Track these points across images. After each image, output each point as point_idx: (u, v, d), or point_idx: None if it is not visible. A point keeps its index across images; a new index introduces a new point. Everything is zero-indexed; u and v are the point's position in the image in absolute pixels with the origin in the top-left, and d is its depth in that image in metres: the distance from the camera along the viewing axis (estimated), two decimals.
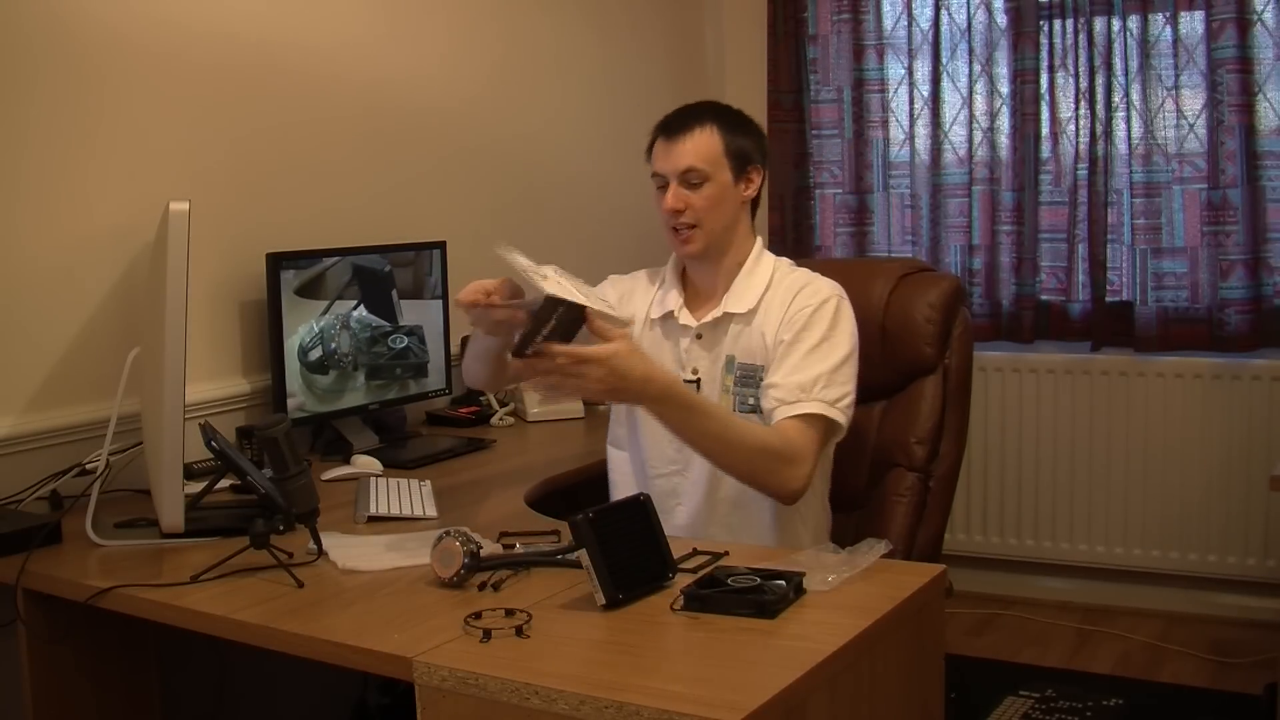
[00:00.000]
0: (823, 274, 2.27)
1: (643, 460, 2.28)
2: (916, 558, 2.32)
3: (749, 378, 2.18)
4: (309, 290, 2.66)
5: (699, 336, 2.25)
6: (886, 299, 2.50)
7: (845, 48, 3.98)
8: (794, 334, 2.12)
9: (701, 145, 2.17)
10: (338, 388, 2.74)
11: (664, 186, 2.20)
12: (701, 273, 2.27)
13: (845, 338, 2.14)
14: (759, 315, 2.20)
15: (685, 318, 2.26)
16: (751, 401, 2.16)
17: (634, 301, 2.33)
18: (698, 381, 2.23)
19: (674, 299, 2.28)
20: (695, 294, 2.29)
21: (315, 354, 2.68)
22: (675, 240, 2.22)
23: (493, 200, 3.40)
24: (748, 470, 2.03)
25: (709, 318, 2.23)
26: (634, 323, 2.23)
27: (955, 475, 2.46)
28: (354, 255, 2.77)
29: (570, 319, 1.82)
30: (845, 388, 2.11)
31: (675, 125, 2.19)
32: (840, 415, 2.08)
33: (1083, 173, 3.71)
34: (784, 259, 2.29)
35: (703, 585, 1.66)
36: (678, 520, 2.21)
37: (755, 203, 2.28)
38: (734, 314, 2.21)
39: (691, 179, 2.16)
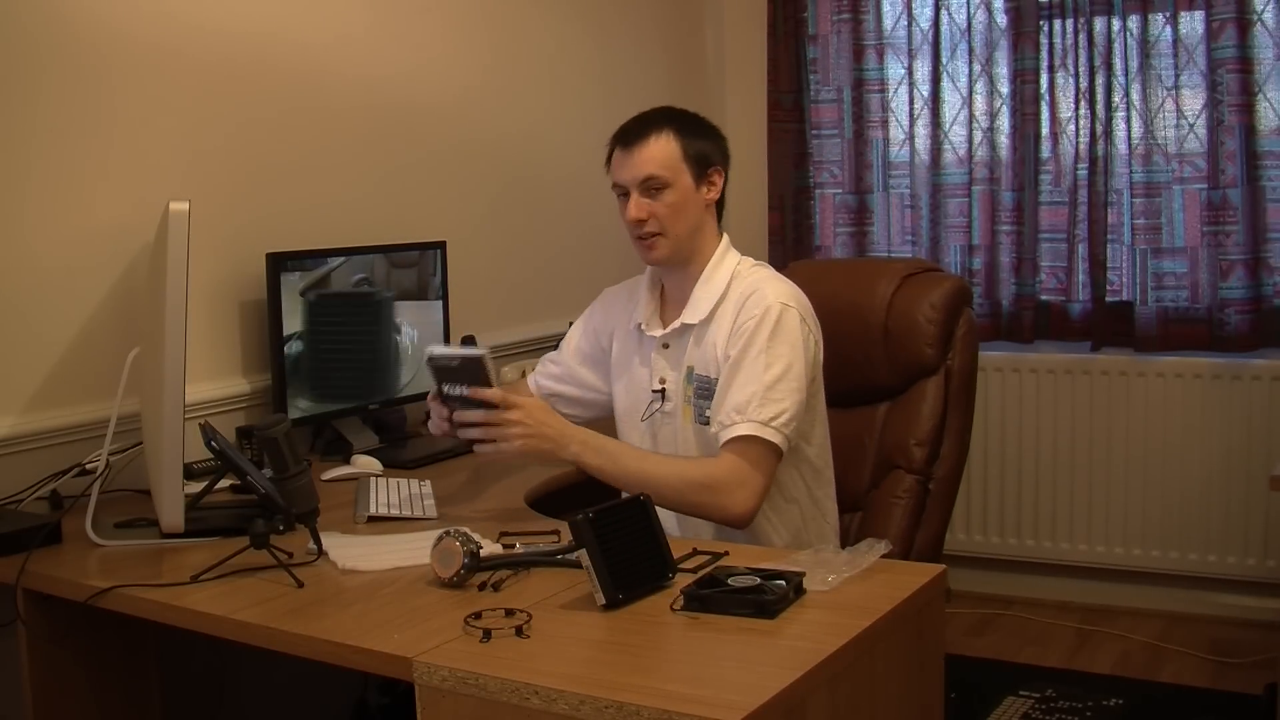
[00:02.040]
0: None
1: None
2: (914, 560, 2.31)
3: (705, 389, 2.17)
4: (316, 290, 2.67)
5: (665, 346, 2.25)
6: (889, 299, 2.49)
7: (845, 48, 3.98)
8: (738, 350, 2.11)
9: (660, 151, 2.16)
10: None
11: (625, 195, 2.19)
12: (671, 280, 2.27)
13: (785, 349, 2.09)
14: (712, 325, 2.18)
15: (653, 328, 2.26)
16: (708, 413, 2.16)
17: (617, 317, 2.36)
18: (663, 391, 2.24)
19: (644, 310, 2.28)
20: (667, 302, 2.29)
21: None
22: (641, 248, 2.20)
23: (492, 198, 3.40)
24: (683, 504, 2.09)
25: (671, 328, 2.23)
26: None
27: (957, 477, 2.46)
28: (355, 255, 2.77)
29: (469, 371, 2.04)
30: (781, 405, 2.06)
31: (632, 134, 2.18)
32: (774, 434, 2.04)
33: (1083, 173, 3.71)
34: (747, 259, 2.26)
35: (703, 585, 1.66)
36: None
37: (720, 205, 2.26)
38: (690, 324, 2.20)
39: (652, 186, 2.15)
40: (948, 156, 3.92)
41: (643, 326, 2.27)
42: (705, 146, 2.20)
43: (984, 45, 3.82)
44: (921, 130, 3.93)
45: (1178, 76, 3.57)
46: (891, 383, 2.48)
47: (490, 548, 1.85)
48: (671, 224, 2.17)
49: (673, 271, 2.25)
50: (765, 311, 2.10)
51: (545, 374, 2.46)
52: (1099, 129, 3.67)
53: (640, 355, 2.29)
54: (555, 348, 3.53)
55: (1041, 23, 3.73)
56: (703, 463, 2.10)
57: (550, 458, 2.07)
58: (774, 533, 2.18)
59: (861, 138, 4.01)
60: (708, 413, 2.15)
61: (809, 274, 2.36)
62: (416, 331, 2.92)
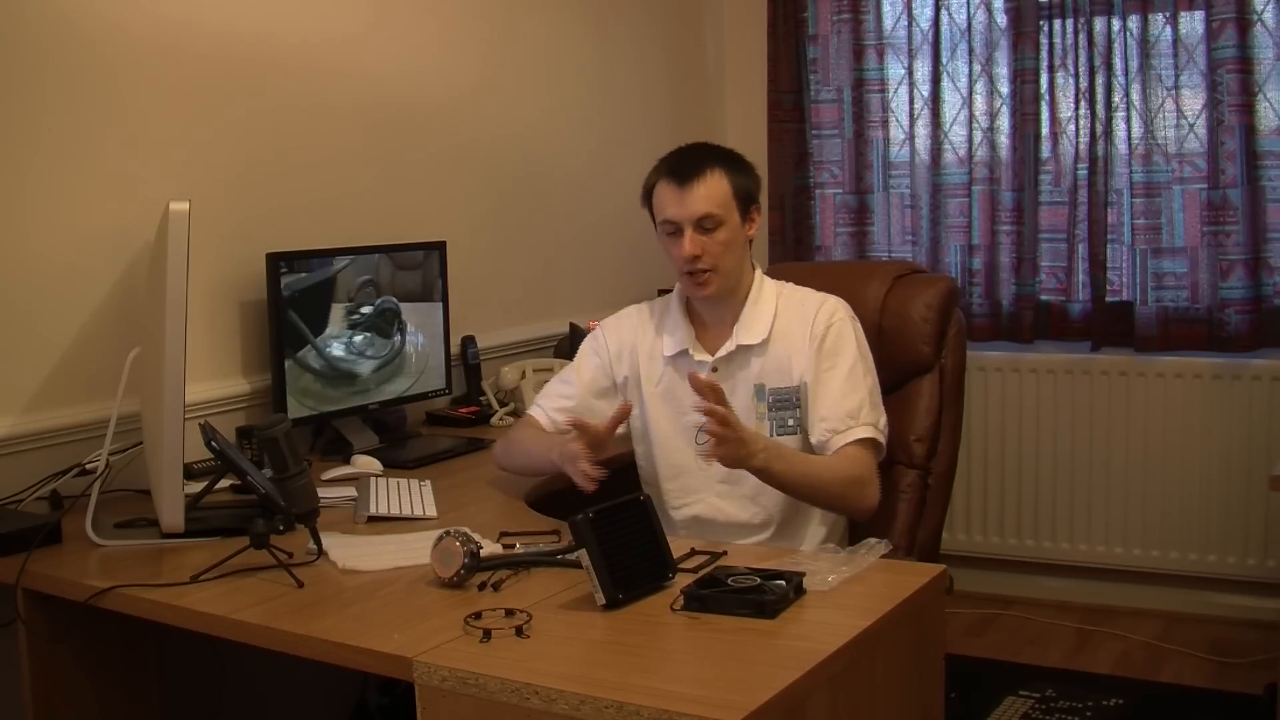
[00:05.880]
0: (819, 276, 2.33)
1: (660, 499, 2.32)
2: (917, 554, 2.35)
3: (785, 401, 2.22)
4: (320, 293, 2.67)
5: (714, 369, 2.27)
6: (883, 300, 2.53)
7: (845, 48, 3.98)
8: (830, 360, 2.20)
9: (714, 190, 2.19)
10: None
11: (675, 232, 2.21)
12: (709, 308, 2.31)
13: (869, 358, 2.25)
14: (778, 342, 2.25)
15: (699, 353, 2.30)
16: (791, 424, 2.22)
17: (633, 345, 2.36)
18: None
19: (685, 336, 2.31)
20: (703, 327, 2.33)
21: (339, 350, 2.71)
22: (691, 283, 2.24)
23: (492, 198, 3.40)
24: (837, 500, 2.17)
25: (723, 351, 2.27)
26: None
27: (952, 472, 2.49)
28: (355, 255, 2.77)
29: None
30: (881, 411, 2.23)
31: (685, 171, 2.21)
32: (882, 437, 2.21)
33: (1083, 173, 3.71)
34: (777, 281, 2.34)
35: (703, 585, 1.67)
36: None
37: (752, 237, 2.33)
38: (749, 345, 2.25)
39: (707, 224, 2.19)
40: (948, 156, 3.92)
41: (690, 352, 2.29)
42: (749, 184, 2.26)
43: (984, 45, 3.82)
44: (921, 130, 3.93)
45: (1178, 76, 3.57)
46: (886, 381, 2.48)
47: (490, 548, 1.85)
48: (723, 260, 2.21)
49: (715, 301, 2.28)
50: (842, 323, 2.23)
51: (561, 409, 2.36)
52: (1099, 129, 3.67)
53: (684, 380, 2.25)
54: (553, 348, 3.54)
55: (1041, 23, 3.73)
56: (848, 460, 2.15)
57: (741, 464, 2.04)
58: (815, 534, 2.24)
59: (861, 138, 4.01)
60: (789, 422, 2.22)
61: (794, 277, 2.38)
62: (422, 335, 2.92)
